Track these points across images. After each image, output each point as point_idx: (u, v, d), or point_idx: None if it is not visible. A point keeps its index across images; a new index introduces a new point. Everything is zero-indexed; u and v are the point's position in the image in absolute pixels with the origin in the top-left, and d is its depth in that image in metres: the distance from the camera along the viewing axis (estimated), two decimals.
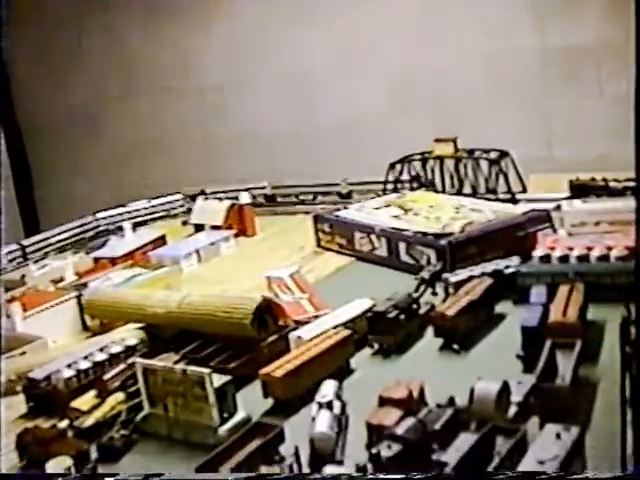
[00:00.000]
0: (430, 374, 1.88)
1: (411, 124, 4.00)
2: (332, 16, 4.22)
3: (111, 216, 3.75)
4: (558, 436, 1.49)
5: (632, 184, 2.76)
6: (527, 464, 1.43)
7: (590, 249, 2.29)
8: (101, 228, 3.70)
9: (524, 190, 3.19)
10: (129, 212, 3.78)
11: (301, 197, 3.74)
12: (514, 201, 3.04)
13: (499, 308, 2.26)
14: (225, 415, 1.80)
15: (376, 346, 2.11)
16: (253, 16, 4.44)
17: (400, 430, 1.57)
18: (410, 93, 4.18)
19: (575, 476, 1.20)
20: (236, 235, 3.32)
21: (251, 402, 1.88)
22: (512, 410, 1.71)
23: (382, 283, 2.56)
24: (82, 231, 3.65)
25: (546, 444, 1.48)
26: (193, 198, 3.80)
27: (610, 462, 1.48)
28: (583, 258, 2.28)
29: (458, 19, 4.02)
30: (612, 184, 2.80)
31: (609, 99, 3.72)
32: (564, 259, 2.30)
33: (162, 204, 3.89)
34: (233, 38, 4.53)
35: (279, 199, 3.83)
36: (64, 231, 3.58)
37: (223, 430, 1.78)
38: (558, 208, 2.66)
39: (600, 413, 1.71)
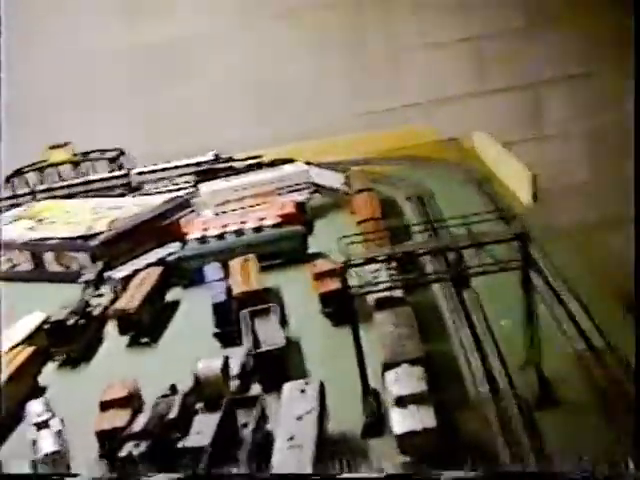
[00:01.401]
0: (128, 372, 1.80)
1: None
2: None
3: None
4: (302, 391, 1.52)
5: (254, 161, 2.90)
6: (285, 423, 1.43)
7: (244, 222, 2.35)
8: None
9: None
10: None
11: None
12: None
13: (170, 296, 2.24)
14: None
15: (62, 357, 1.97)
16: None
17: (140, 426, 1.49)
18: None
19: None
20: None
21: None
22: (234, 382, 1.70)
23: (40, 298, 2.38)
24: None
25: (295, 401, 1.49)
26: None
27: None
28: (239, 232, 2.33)
29: None
30: (235, 164, 2.90)
31: None
32: (221, 236, 2.33)
33: None
34: None
35: None
36: None
37: None
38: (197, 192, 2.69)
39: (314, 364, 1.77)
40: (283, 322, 1.93)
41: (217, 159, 3.02)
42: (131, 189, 3.37)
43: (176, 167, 3.15)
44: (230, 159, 2.96)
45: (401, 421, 1.36)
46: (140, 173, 3.26)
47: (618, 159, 4.07)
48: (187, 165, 3.08)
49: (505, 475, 1.28)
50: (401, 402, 1.40)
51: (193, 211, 2.62)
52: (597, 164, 4.09)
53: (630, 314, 1.79)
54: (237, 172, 2.80)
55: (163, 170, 3.25)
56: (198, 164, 3.09)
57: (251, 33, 3.79)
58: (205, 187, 2.65)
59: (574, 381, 1.59)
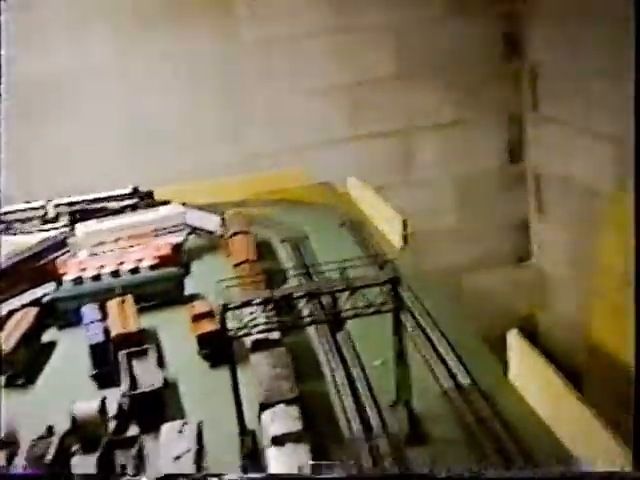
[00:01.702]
0: (3, 413, 1.78)
1: None
2: None
3: None
4: (180, 431, 1.54)
5: (130, 202, 2.89)
6: (164, 464, 1.45)
7: (121, 263, 2.36)
8: None
9: None
10: None
11: None
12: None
13: (46, 336, 2.21)
14: None
15: None
16: None
17: (16, 469, 1.48)
18: None
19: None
20: None
21: None
22: (112, 424, 1.70)
23: None
24: None
25: (173, 441, 1.52)
26: None
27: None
28: (116, 273, 2.33)
29: None
30: (110, 205, 2.88)
31: None
32: (97, 277, 2.33)
33: None
34: None
35: None
36: None
37: None
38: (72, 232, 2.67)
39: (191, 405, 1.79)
40: (161, 363, 1.94)
41: (107, 197, 2.96)
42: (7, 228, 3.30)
43: (50, 206, 3.11)
44: (148, 194, 2.93)
45: (277, 460, 1.40)
46: (6, 213, 3.21)
47: (486, 204, 4.25)
48: (61, 204, 3.04)
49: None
50: (277, 441, 1.44)
51: (69, 251, 2.59)
52: (465, 209, 4.25)
53: (493, 355, 1.90)
54: (114, 212, 2.80)
55: (35, 209, 3.21)
56: (72, 204, 3.05)
57: (126, 76, 3.78)
58: (81, 227, 2.64)
59: (442, 418, 1.67)
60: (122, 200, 2.91)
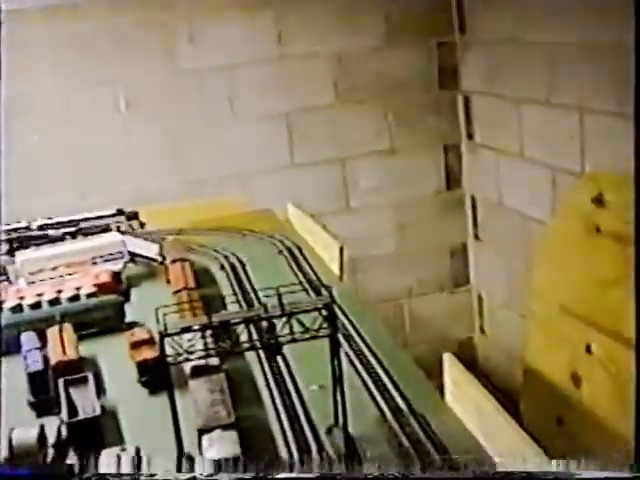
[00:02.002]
0: None
1: None
2: None
3: None
4: (119, 457, 1.55)
5: (70, 229, 2.89)
6: None
7: (60, 291, 2.36)
8: None
9: None
10: None
11: None
12: None
13: None
14: None
15: None
16: None
17: None
18: None
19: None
20: None
21: None
22: (50, 452, 1.70)
23: None
24: None
25: (112, 468, 1.52)
26: None
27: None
28: (55, 301, 2.33)
29: None
30: (51, 232, 2.88)
31: None
32: (37, 305, 2.32)
33: None
34: None
35: None
36: None
37: None
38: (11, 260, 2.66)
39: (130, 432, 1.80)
40: (100, 391, 1.95)
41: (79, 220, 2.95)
42: None
43: None
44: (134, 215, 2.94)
45: None
46: None
47: (425, 230, 4.33)
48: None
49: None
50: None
51: (8, 279, 2.59)
52: (404, 235, 4.31)
53: (430, 380, 1.94)
54: (53, 240, 2.79)
55: None
56: (10, 231, 3.04)
57: (66, 106, 3.78)
58: (20, 255, 2.63)
59: (378, 440, 1.71)
60: (105, 219, 2.93)
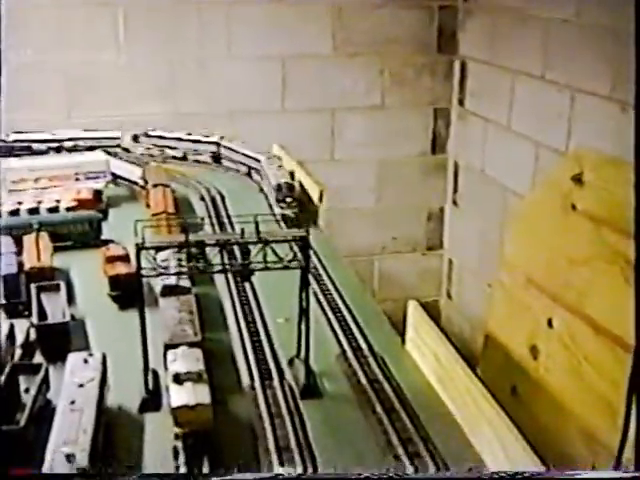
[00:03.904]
0: None
1: None
2: None
3: None
4: (86, 361, 1.59)
5: (54, 145, 2.91)
6: (67, 390, 1.50)
7: (40, 202, 2.38)
8: None
9: None
10: None
11: None
12: None
13: None
14: None
15: None
16: None
17: None
18: None
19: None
20: None
21: None
22: (17, 352, 1.75)
23: None
24: None
25: (78, 370, 1.56)
26: None
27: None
28: (34, 210, 2.36)
29: None
30: (35, 146, 2.89)
31: None
32: (15, 212, 2.35)
33: None
34: None
35: None
36: None
37: None
38: None
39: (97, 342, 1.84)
40: (70, 300, 1.99)
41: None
42: None
43: None
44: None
45: (177, 396, 1.46)
46: None
47: (405, 190, 4.36)
48: None
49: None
50: (178, 379, 1.50)
51: None
52: (384, 192, 4.35)
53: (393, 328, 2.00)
54: (38, 153, 2.81)
55: None
56: None
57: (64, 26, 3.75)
58: (2, 163, 2.65)
59: (338, 377, 1.76)
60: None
